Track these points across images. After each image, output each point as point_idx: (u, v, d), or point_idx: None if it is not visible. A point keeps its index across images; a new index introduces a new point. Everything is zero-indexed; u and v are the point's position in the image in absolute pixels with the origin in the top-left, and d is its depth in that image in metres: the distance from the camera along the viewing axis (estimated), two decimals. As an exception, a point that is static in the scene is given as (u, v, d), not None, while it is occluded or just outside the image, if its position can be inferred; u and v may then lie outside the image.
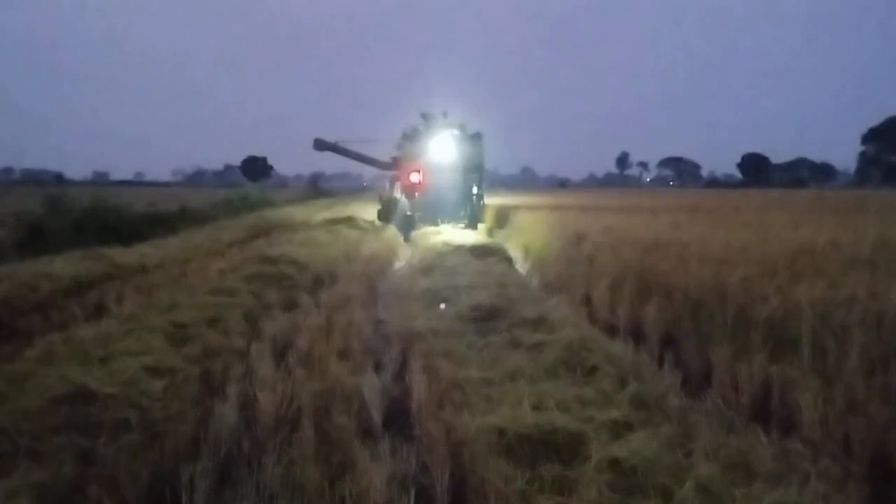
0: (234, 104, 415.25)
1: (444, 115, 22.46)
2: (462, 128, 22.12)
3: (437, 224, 19.87)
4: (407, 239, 18.27)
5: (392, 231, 19.93)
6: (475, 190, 21.80)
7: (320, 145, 23.45)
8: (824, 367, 4.76)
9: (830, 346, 4.86)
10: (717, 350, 5.55)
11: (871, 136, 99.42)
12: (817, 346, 4.94)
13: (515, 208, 22.82)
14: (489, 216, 22.76)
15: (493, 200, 28.27)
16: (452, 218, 20.85)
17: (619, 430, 3.69)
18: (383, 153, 23.77)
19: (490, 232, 20.50)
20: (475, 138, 22.15)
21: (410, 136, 22.60)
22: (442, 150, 21.73)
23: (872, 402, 4.19)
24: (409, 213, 20.83)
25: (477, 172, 21.97)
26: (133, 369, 4.79)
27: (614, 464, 3.26)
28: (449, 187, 21.33)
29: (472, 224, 20.76)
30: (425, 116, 22.41)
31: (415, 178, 21.30)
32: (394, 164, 22.91)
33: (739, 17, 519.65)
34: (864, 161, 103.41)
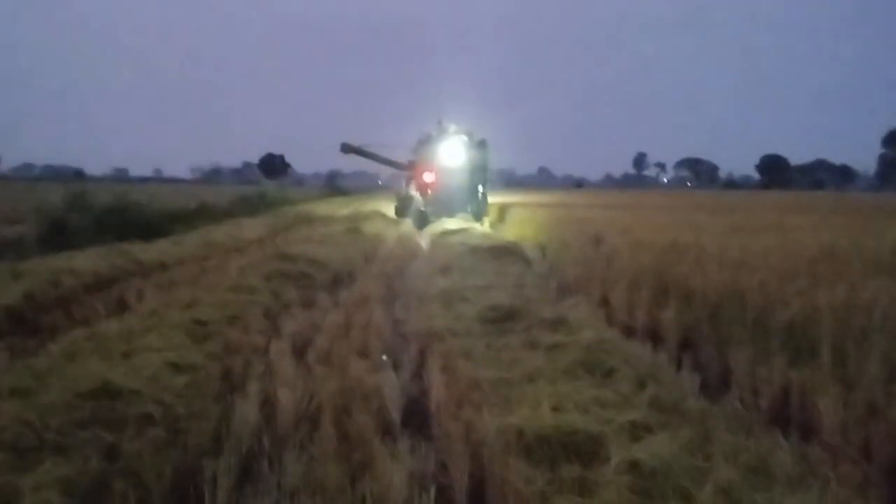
0: (252, 102, 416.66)
1: (443, 123, 25.91)
2: (470, 135, 25.59)
3: (448, 217, 21.94)
4: (421, 230, 20.66)
5: (408, 225, 22.08)
6: (480, 189, 25.16)
7: (346, 148, 26.83)
8: (844, 371, 4.74)
9: (850, 351, 4.85)
10: (735, 353, 5.54)
11: (892, 138, 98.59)
12: (837, 351, 4.93)
13: (531, 207, 23.63)
14: (508, 217, 23.47)
15: (509, 199, 29.44)
16: (460, 212, 23.16)
17: (639, 432, 3.70)
18: (400, 156, 27.41)
19: (496, 227, 22.15)
20: (481, 144, 25.65)
21: (424, 142, 25.96)
22: (452, 154, 25.09)
23: (893, 408, 4.17)
24: (422, 208, 23.90)
25: (482, 173, 25.50)
26: (155, 365, 4.85)
27: (634, 466, 3.27)
28: (457, 186, 24.44)
29: (478, 218, 23.44)
30: (439, 123, 25.88)
31: (428, 177, 24.72)
32: (409, 165, 26.43)
33: (758, 18, 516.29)
34: (885, 163, 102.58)
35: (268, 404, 4.68)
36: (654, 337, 6.73)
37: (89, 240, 12.95)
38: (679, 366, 5.54)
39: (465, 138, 25.40)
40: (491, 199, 27.01)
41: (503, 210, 25.20)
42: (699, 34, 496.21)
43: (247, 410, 4.43)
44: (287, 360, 5.55)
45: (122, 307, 8.03)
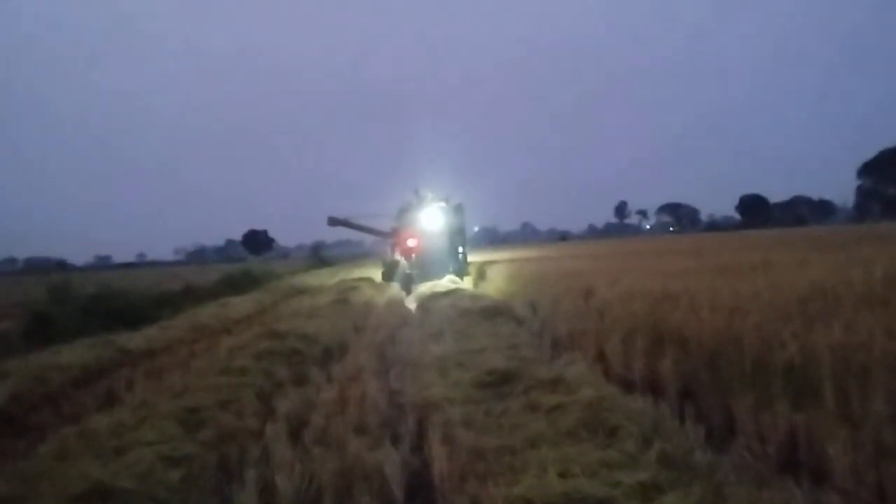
0: (231, 180, 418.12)
1: (420, 192, 27.93)
2: (447, 200, 27.52)
3: (433, 278, 22.86)
4: (408, 293, 21.77)
5: (395, 289, 23.03)
6: (460, 249, 26.94)
7: (333, 222, 29.04)
8: (849, 411, 4.68)
9: (853, 390, 4.79)
10: (737, 400, 5.47)
11: (866, 169, 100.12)
12: (840, 391, 4.87)
13: (518, 263, 23.92)
14: (494, 274, 23.60)
15: (494, 257, 30.25)
16: (443, 273, 24.03)
17: (649, 492, 3.61)
18: (383, 224, 29.43)
19: (484, 285, 22.22)
20: (458, 208, 27.54)
21: (405, 210, 27.79)
22: (431, 220, 26.97)
23: (902, 446, 4.10)
24: (408, 271, 25.70)
25: (461, 235, 27.30)
26: (149, 460, 4.72)
27: (649, 530, 3.18)
28: (439, 249, 26.13)
29: (460, 276, 24.75)
30: (417, 192, 27.94)
31: (411, 243, 26.55)
32: (393, 233, 28.10)
33: (728, 59, 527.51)
34: (862, 195, 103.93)
35: (266, 491, 4.56)
36: (654, 389, 6.64)
37: (75, 331, 12.79)
38: (682, 417, 5.46)
39: (442, 204, 27.26)
40: (476, 258, 28.89)
41: (489, 268, 25.67)
42: (671, 82, 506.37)
43: (245, 500, 4.31)
44: (283, 442, 5.42)
45: (111, 400, 7.87)
